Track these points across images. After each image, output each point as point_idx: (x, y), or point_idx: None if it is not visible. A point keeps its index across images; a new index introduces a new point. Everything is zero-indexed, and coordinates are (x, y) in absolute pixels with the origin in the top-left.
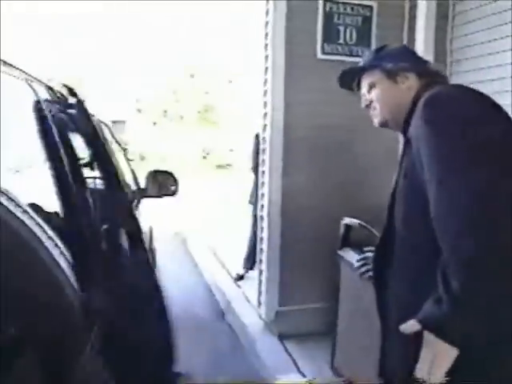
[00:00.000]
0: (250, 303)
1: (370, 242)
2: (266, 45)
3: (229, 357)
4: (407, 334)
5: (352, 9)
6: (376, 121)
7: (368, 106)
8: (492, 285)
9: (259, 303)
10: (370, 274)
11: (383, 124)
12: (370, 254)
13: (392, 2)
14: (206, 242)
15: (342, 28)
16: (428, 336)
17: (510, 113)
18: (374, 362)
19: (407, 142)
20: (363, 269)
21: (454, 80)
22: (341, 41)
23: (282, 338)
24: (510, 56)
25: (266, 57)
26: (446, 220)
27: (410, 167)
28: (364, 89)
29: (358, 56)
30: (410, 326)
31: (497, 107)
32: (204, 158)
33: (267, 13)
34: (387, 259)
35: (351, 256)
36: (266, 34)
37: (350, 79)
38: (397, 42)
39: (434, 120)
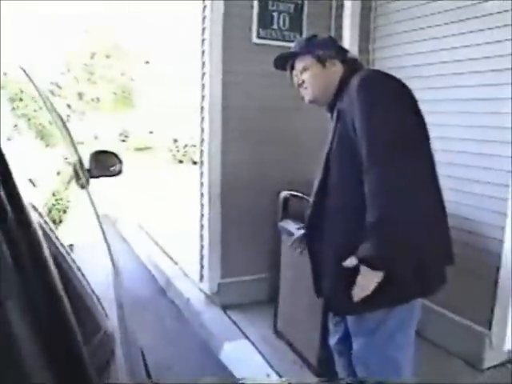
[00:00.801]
0: (189, 278)
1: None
2: (204, 29)
3: (175, 331)
4: (348, 267)
5: None
6: (307, 98)
7: (300, 86)
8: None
9: (201, 277)
10: (304, 251)
11: (312, 101)
12: (295, 238)
13: None
14: (136, 223)
15: (275, 14)
16: (362, 267)
17: (417, 94)
18: (314, 322)
19: (339, 113)
20: (299, 249)
21: (377, 65)
22: (274, 26)
23: (225, 308)
24: (423, 45)
25: (203, 40)
26: (370, 162)
27: (345, 132)
28: (297, 71)
29: (290, 41)
30: (350, 261)
31: (404, 87)
32: (123, 141)
33: (205, 9)
34: (321, 212)
35: (292, 226)
36: (204, 18)
37: (284, 62)
38: (325, 29)
39: (366, 97)
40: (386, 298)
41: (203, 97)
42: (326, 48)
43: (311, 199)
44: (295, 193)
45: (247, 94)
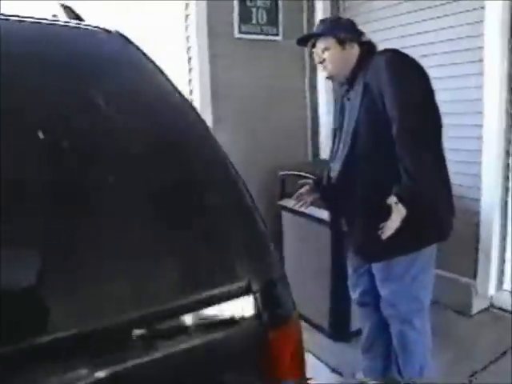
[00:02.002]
0: None
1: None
2: (187, 26)
3: None
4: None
5: None
6: (325, 74)
7: (320, 63)
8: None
9: None
10: (306, 206)
11: (330, 78)
12: (302, 190)
13: None
14: None
15: (254, 10)
16: (396, 205)
17: None
18: (323, 290)
19: (366, 87)
20: (299, 204)
21: None
22: (254, 21)
23: None
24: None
25: (188, 37)
26: (396, 128)
27: (371, 103)
28: (319, 50)
29: (268, 34)
30: (390, 200)
31: (420, 66)
32: None
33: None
34: (351, 171)
35: (292, 204)
36: (187, 16)
37: (306, 40)
38: (298, 22)
39: (395, 67)
40: (413, 242)
41: (191, 91)
42: (347, 31)
43: (339, 161)
44: (293, 172)
45: (233, 85)
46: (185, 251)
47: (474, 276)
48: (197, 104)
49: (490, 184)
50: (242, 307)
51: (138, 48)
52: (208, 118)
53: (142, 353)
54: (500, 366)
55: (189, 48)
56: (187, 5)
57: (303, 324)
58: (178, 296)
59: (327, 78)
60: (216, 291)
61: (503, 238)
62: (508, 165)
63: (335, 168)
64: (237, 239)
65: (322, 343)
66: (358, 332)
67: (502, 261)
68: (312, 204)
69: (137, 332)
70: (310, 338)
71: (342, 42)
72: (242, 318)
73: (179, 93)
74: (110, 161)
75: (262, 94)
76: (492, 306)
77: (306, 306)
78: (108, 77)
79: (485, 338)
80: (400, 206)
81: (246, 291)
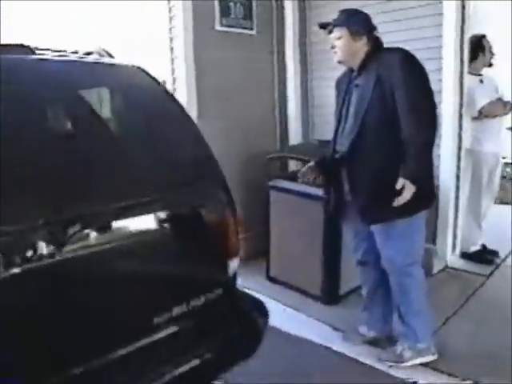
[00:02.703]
0: None
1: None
2: (171, 17)
3: None
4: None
5: None
6: (335, 59)
7: (332, 48)
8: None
9: None
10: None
11: (339, 62)
12: (311, 164)
13: None
14: None
15: (232, 5)
16: (406, 183)
17: None
18: (314, 260)
19: (379, 78)
20: (305, 178)
21: (312, 45)
22: (232, 15)
23: None
24: None
25: (170, 29)
26: (408, 112)
27: (382, 92)
28: (333, 37)
29: (245, 28)
30: (401, 182)
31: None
32: None
33: None
34: (360, 148)
35: (285, 184)
36: (171, 9)
37: (325, 27)
38: (268, 17)
39: (407, 67)
40: (409, 209)
41: (174, 79)
42: (359, 25)
43: (348, 137)
44: (280, 154)
45: (214, 73)
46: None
47: (434, 242)
48: (182, 92)
49: (447, 162)
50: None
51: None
52: (193, 105)
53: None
54: (465, 311)
55: (171, 39)
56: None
57: (297, 294)
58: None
59: (338, 62)
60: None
61: (456, 211)
62: (460, 148)
63: (343, 143)
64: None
65: (317, 308)
66: (347, 294)
67: (455, 230)
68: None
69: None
70: (307, 305)
71: (353, 34)
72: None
73: (182, 108)
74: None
75: (240, 83)
76: (447, 266)
77: (299, 277)
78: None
79: (446, 292)
80: (411, 185)
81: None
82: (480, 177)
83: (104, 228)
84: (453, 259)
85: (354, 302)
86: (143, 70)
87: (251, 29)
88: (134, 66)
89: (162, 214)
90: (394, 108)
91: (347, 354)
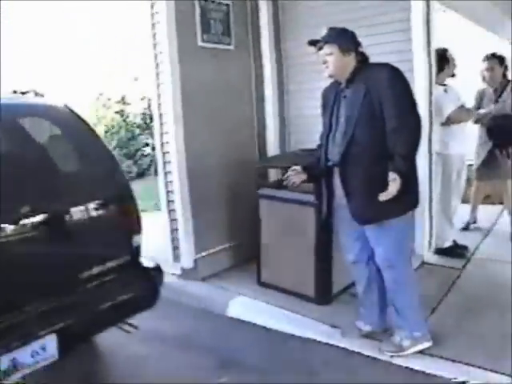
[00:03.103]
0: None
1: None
2: (155, 34)
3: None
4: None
5: (217, 6)
6: (327, 74)
7: (324, 63)
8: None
9: (175, 257)
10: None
11: (330, 77)
12: (296, 168)
13: (240, 2)
14: None
15: (212, 21)
16: (393, 179)
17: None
18: (307, 263)
19: (367, 90)
20: (291, 181)
21: (288, 58)
22: (212, 31)
23: (206, 278)
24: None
25: (155, 45)
26: (395, 122)
27: (370, 103)
28: (324, 53)
29: (223, 43)
30: (392, 175)
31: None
32: None
33: (153, 7)
34: (352, 154)
35: (275, 192)
36: (153, 25)
37: (315, 43)
38: (244, 32)
39: (394, 81)
40: (399, 208)
41: (159, 95)
42: (348, 42)
43: (340, 145)
44: (269, 164)
45: (198, 84)
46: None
47: (413, 240)
48: (168, 106)
49: (420, 165)
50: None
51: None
52: (179, 116)
53: None
54: (447, 301)
55: (155, 55)
56: (153, 14)
57: (290, 297)
58: None
59: (329, 76)
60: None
61: (430, 210)
62: (430, 152)
63: (335, 151)
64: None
65: (312, 308)
66: (339, 293)
67: (430, 230)
68: (295, 189)
69: None
70: (302, 306)
71: (343, 50)
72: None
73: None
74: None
75: (221, 97)
76: (424, 262)
77: (291, 280)
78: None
79: (428, 286)
80: (398, 179)
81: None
82: (449, 178)
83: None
84: (429, 255)
85: (346, 301)
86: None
87: (229, 44)
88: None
89: (89, 206)
90: (383, 120)
91: (348, 348)
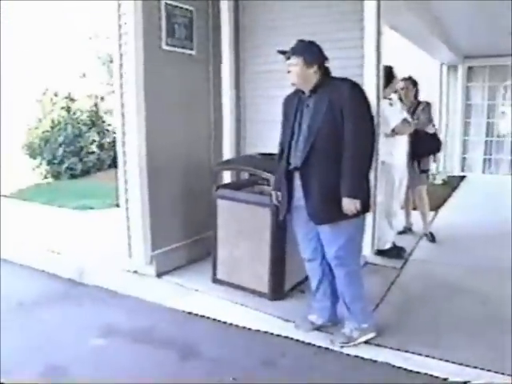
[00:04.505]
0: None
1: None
2: (121, 35)
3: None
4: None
5: (182, 11)
6: (291, 82)
7: (288, 72)
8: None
9: (131, 254)
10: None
11: (293, 85)
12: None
13: (203, 8)
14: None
15: (176, 26)
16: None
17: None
18: (262, 260)
19: (330, 102)
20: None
21: (246, 65)
22: (176, 36)
23: (161, 275)
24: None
25: (120, 45)
26: (352, 135)
27: (332, 114)
28: (290, 62)
29: (186, 48)
30: (345, 201)
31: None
32: None
33: (119, 8)
34: (312, 162)
35: (232, 193)
36: (120, 26)
37: (284, 53)
38: (206, 38)
39: (355, 96)
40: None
41: (122, 94)
42: (313, 56)
43: (302, 151)
44: (227, 165)
45: (161, 91)
46: None
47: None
48: (130, 105)
49: None
50: None
51: None
52: (141, 116)
53: None
54: (389, 297)
55: (121, 55)
56: (120, 16)
57: (245, 293)
58: None
59: (292, 84)
60: None
61: (374, 214)
62: (377, 161)
63: (297, 156)
64: None
65: (266, 304)
66: (291, 289)
67: (373, 232)
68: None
69: None
70: (255, 302)
71: (307, 63)
72: None
73: None
74: None
75: (182, 100)
76: (367, 262)
77: (246, 277)
78: None
79: (371, 284)
80: (353, 201)
81: None
82: (392, 185)
83: None
84: (371, 256)
85: (297, 296)
86: None
87: (192, 49)
88: None
89: None
90: (342, 129)
91: (302, 340)
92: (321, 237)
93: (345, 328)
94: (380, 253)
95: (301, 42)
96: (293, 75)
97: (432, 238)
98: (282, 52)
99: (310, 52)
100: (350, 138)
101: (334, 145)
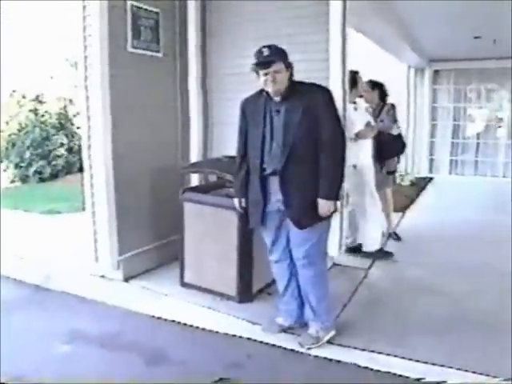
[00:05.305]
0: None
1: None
2: (85, 37)
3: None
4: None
5: (147, 13)
6: (275, 88)
7: (272, 81)
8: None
9: (97, 258)
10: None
11: (277, 92)
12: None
13: (170, 11)
14: None
15: (142, 28)
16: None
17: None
18: (229, 263)
19: (306, 106)
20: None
21: (213, 68)
22: (142, 38)
23: (129, 279)
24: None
25: (85, 47)
26: (329, 139)
27: (308, 118)
28: (272, 70)
29: (152, 50)
30: (321, 203)
31: None
32: None
33: (84, 9)
34: (291, 168)
35: (199, 196)
36: (85, 27)
37: (267, 63)
38: (173, 40)
39: (329, 101)
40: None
41: (87, 97)
42: (287, 59)
43: (278, 158)
44: (194, 168)
45: (127, 91)
46: None
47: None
48: (96, 108)
49: None
50: None
51: None
52: (107, 119)
53: None
54: (357, 297)
55: (85, 57)
56: (84, 18)
57: (213, 296)
58: None
59: (275, 91)
60: None
61: (341, 217)
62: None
63: (273, 162)
64: None
65: (233, 306)
66: (258, 292)
67: (340, 233)
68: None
69: None
70: (223, 305)
71: (286, 67)
72: None
73: None
74: None
75: (148, 103)
76: (334, 264)
77: (214, 280)
78: None
79: (339, 284)
80: (329, 202)
81: None
82: (363, 186)
83: None
84: (338, 257)
85: (264, 299)
86: None
87: (158, 51)
88: None
89: None
90: (318, 134)
91: (269, 342)
92: (292, 237)
93: (310, 329)
94: (350, 250)
95: (276, 48)
96: (279, 82)
97: (397, 237)
98: (265, 63)
99: (285, 56)
100: (327, 142)
101: (311, 149)
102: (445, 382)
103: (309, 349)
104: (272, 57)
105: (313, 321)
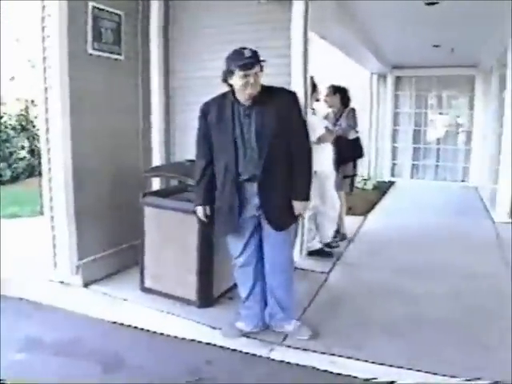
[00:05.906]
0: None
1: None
2: (44, 37)
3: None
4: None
5: (109, 15)
6: (254, 92)
7: (252, 84)
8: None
9: (56, 264)
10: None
11: (251, 96)
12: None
13: (132, 13)
14: None
15: (103, 30)
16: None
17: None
18: (189, 268)
19: (279, 109)
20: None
21: (175, 72)
22: (103, 40)
23: (88, 284)
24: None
25: (44, 48)
26: (302, 143)
27: (281, 125)
28: (254, 72)
29: (114, 53)
30: (297, 205)
31: None
32: None
33: (43, 9)
34: (268, 173)
35: (159, 200)
36: (44, 28)
37: (252, 64)
38: (135, 43)
39: (298, 105)
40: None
41: (46, 99)
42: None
43: (254, 162)
44: (155, 172)
45: (86, 96)
46: None
47: None
48: (55, 111)
49: None
50: None
51: None
52: (66, 121)
53: None
54: (317, 301)
55: (44, 58)
56: (43, 18)
57: (173, 301)
58: None
59: (251, 94)
60: None
61: (302, 222)
62: None
63: (249, 167)
64: None
65: (193, 311)
66: (219, 297)
67: (302, 238)
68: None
69: None
70: (183, 310)
71: (261, 71)
72: None
73: None
74: None
75: (108, 105)
76: (296, 268)
77: (174, 285)
78: None
79: (300, 288)
80: (305, 203)
81: None
82: (324, 190)
83: None
84: (300, 261)
85: (225, 303)
86: None
87: (119, 54)
88: None
89: None
90: (290, 137)
91: (229, 347)
92: (271, 241)
93: (287, 327)
94: (312, 253)
95: (251, 48)
96: (257, 85)
97: (343, 237)
98: (248, 64)
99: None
100: (300, 145)
101: (285, 152)
102: (394, 382)
103: (270, 351)
104: (254, 58)
105: (285, 321)
